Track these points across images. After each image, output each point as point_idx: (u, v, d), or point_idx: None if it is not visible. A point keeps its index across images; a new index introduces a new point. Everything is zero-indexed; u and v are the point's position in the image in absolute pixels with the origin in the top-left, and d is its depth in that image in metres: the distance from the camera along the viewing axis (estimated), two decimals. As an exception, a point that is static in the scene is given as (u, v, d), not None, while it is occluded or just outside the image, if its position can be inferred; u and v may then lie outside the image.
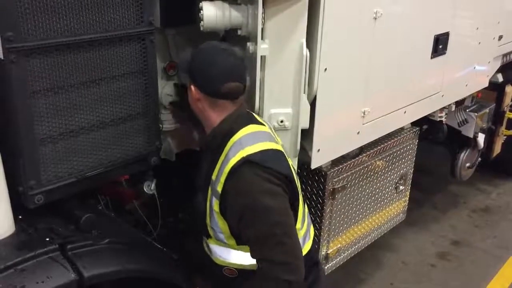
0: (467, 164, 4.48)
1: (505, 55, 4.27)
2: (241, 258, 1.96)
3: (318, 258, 2.39)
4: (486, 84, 4.03)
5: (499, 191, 5.39)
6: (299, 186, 2.04)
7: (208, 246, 2.07)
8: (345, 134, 2.75)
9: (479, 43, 3.65)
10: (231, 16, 2.14)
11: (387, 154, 3.26)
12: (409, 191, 3.67)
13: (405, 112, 3.15)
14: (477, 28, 3.56)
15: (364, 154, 3.06)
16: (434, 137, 4.07)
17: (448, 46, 3.26)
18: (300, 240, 1.94)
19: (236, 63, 1.88)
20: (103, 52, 1.89)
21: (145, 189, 2.31)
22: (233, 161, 1.80)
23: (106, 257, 1.82)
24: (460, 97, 3.83)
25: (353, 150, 2.93)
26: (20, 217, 1.86)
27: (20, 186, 1.80)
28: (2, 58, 1.64)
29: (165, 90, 2.47)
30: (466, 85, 3.75)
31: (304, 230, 2.06)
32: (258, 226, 1.77)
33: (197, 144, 2.64)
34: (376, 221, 3.42)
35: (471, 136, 4.30)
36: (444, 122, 3.90)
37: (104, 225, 1.97)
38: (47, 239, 1.76)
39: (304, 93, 2.35)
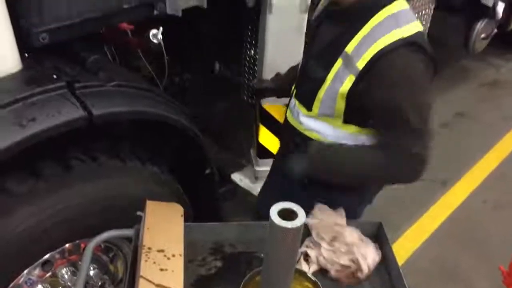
0: (482, 35, 4.34)
1: None
2: (340, 134, 1.79)
3: None
4: None
5: (510, 66, 5.31)
6: None
7: (298, 115, 1.88)
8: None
9: None
10: None
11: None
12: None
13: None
14: None
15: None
16: (451, 4, 3.89)
17: None
18: None
19: None
20: None
21: (151, 37, 2.25)
22: (387, 39, 1.59)
23: (115, 98, 1.79)
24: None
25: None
26: (27, 56, 1.82)
27: (24, 24, 1.73)
28: None
29: None
30: None
31: None
32: (414, 96, 1.61)
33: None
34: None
35: (490, 5, 4.10)
36: (463, -13, 3.72)
37: (112, 69, 1.93)
38: (54, 76, 1.73)
39: None
